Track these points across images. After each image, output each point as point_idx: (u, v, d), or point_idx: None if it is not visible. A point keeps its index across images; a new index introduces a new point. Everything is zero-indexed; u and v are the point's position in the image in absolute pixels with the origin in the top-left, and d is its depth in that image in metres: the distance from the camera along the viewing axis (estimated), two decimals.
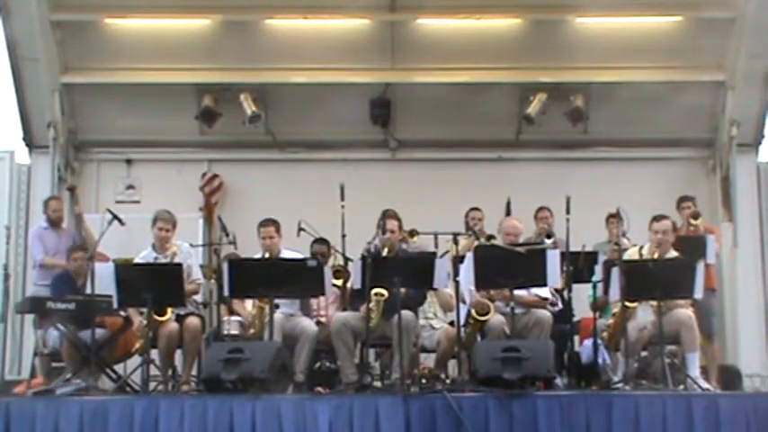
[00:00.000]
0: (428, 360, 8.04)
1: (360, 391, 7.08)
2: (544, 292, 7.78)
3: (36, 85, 10.49)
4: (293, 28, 10.46)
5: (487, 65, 10.55)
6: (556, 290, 7.96)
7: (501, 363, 6.72)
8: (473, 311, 7.52)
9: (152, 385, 7.56)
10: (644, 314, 7.59)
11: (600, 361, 7.78)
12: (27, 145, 10.97)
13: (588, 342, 8.05)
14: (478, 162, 11.00)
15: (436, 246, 8.74)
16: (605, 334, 7.75)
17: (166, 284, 7.50)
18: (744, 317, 10.44)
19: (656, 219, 7.84)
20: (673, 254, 7.82)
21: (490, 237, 8.68)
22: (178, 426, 6.62)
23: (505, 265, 7.40)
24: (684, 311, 7.49)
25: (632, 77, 10.43)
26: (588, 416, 6.60)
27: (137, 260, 8.17)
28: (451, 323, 7.72)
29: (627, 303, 7.35)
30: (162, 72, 10.56)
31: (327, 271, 7.77)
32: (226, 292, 7.59)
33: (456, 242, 7.83)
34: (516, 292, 7.48)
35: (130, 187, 10.99)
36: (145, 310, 7.50)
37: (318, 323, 8.01)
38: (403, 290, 7.33)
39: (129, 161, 11.08)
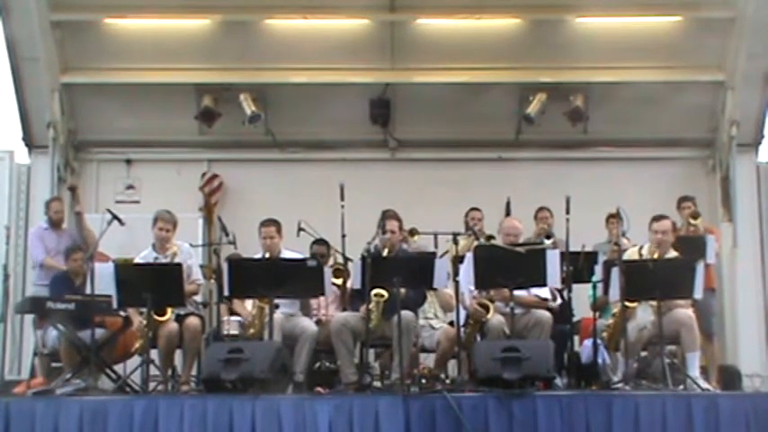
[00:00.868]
0: (428, 360, 8.03)
1: (360, 391, 7.08)
2: (544, 292, 7.78)
3: (36, 85, 10.49)
4: (293, 28, 10.46)
5: (487, 65, 10.55)
6: (556, 289, 7.97)
7: (501, 363, 6.73)
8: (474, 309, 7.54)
9: (152, 385, 7.55)
10: (644, 314, 7.59)
11: (600, 361, 7.77)
12: (27, 145, 10.97)
13: (588, 342, 8.05)
14: (478, 162, 11.00)
15: (436, 246, 8.75)
16: (605, 334, 7.75)
17: (166, 284, 7.50)
18: (744, 317, 10.44)
19: (656, 219, 7.84)
20: (672, 254, 7.82)
21: (490, 237, 8.69)
22: (178, 426, 6.62)
23: (505, 265, 7.40)
24: (684, 311, 7.49)
25: (632, 77, 10.43)
26: (588, 416, 6.60)
27: (137, 260, 8.17)
28: (451, 323, 7.72)
29: (627, 303, 7.35)
30: (162, 72, 10.56)
31: (327, 271, 7.77)
32: (226, 292, 7.59)
33: (456, 242, 7.84)
34: (516, 292, 7.48)
35: (130, 187, 10.99)
36: (145, 310, 7.50)
37: (318, 323, 8.02)
38: (403, 290, 7.34)
39: (128, 161, 11.08)
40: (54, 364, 8.28)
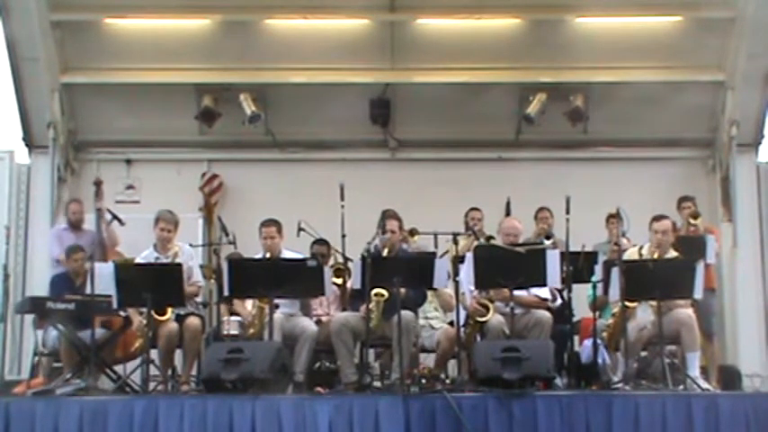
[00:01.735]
0: (428, 360, 8.03)
1: (360, 391, 7.08)
2: (544, 292, 7.78)
3: (36, 85, 10.48)
4: (293, 28, 10.46)
5: (487, 65, 10.55)
6: (555, 288, 7.97)
7: (501, 363, 6.73)
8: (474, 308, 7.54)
9: (152, 385, 7.55)
10: (644, 314, 7.60)
11: (600, 361, 7.77)
12: (27, 145, 10.97)
13: (588, 342, 8.05)
14: (478, 162, 10.99)
15: (436, 246, 8.75)
16: (605, 334, 7.75)
17: (166, 284, 7.49)
18: (744, 317, 10.44)
19: (656, 219, 7.84)
20: (672, 254, 7.82)
21: (490, 237, 8.68)
22: (178, 426, 6.62)
23: (505, 266, 7.40)
24: (685, 311, 7.50)
25: (632, 77, 10.43)
26: (588, 416, 6.60)
27: (138, 260, 8.18)
28: (451, 323, 7.72)
29: (627, 303, 7.35)
30: (162, 72, 10.56)
31: (327, 271, 7.77)
32: (226, 292, 7.59)
33: (456, 242, 7.84)
34: (516, 292, 7.48)
35: (130, 187, 10.99)
36: (145, 310, 7.50)
37: (318, 323, 8.02)
38: (403, 290, 7.35)
39: (128, 161, 11.08)
40: (54, 365, 8.28)
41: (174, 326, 7.70)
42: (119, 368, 8.08)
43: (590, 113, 10.62)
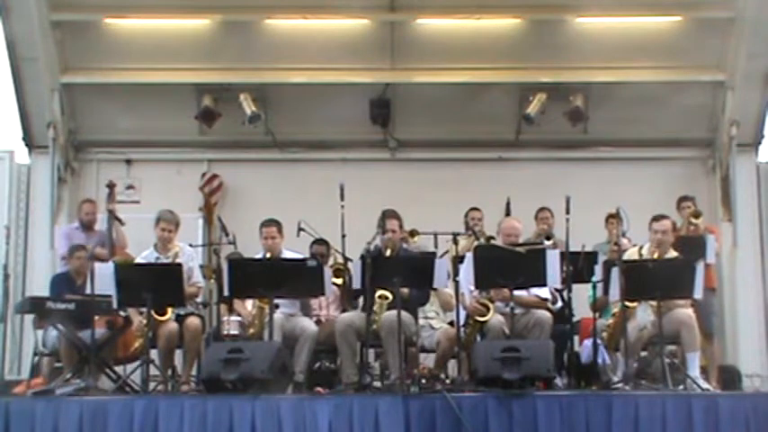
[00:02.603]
0: (428, 360, 8.03)
1: (360, 391, 7.08)
2: (544, 292, 7.78)
3: (36, 85, 10.48)
4: (293, 28, 10.45)
5: (487, 65, 10.55)
6: (556, 289, 7.97)
7: (501, 363, 6.72)
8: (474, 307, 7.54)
9: (152, 385, 7.55)
10: (644, 314, 7.59)
11: (600, 361, 7.77)
12: (27, 145, 10.96)
13: (588, 342, 8.05)
14: (478, 162, 11.00)
15: (436, 246, 8.75)
16: (605, 334, 7.75)
17: (166, 284, 7.49)
18: (744, 317, 10.44)
19: (656, 219, 7.84)
20: (672, 254, 7.82)
21: (490, 237, 8.69)
22: (178, 426, 6.62)
23: (505, 266, 7.40)
24: (685, 311, 7.50)
25: (632, 77, 10.44)
26: (588, 416, 6.60)
27: (138, 260, 8.18)
28: (451, 323, 7.72)
29: (627, 303, 7.35)
30: (162, 72, 10.56)
31: (327, 271, 7.77)
32: (226, 292, 7.59)
33: (456, 242, 7.84)
34: (516, 292, 7.48)
35: (130, 187, 10.99)
36: (145, 310, 7.50)
37: (318, 323, 8.02)
38: (407, 290, 7.35)
39: (128, 161, 11.08)
40: (55, 365, 8.28)
41: (173, 326, 7.70)
42: (119, 368, 8.08)
43: (590, 113, 10.62)
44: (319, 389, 7.32)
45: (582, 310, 8.62)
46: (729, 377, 8.68)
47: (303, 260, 7.73)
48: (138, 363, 7.53)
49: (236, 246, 9.00)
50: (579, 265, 8.16)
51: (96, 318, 7.59)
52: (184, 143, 11.11)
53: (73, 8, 10.30)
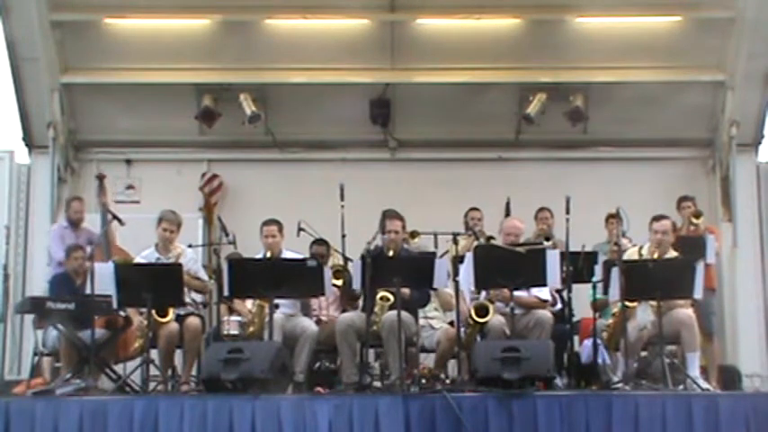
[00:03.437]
0: (428, 360, 8.03)
1: (360, 391, 7.08)
2: (544, 294, 7.77)
3: (36, 85, 10.48)
4: (293, 28, 10.45)
5: (487, 65, 10.55)
6: (556, 290, 7.96)
7: (501, 363, 6.72)
8: (472, 314, 7.52)
9: (152, 385, 7.55)
10: (644, 314, 7.59)
11: (600, 361, 7.78)
12: (27, 145, 10.97)
13: (588, 342, 8.05)
14: (478, 162, 11.00)
15: (436, 246, 8.75)
16: (605, 334, 7.75)
17: (166, 285, 7.50)
18: (744, 317, 10.44)
19: (656, 219, 7.84)
20: (672, 254, 7.82)
21: (490, 237, 8.69)
22: (178, 426, 6.62)
23: (505, 266, 7.40)
24: (685, 311, 7.49)
25: (632, 77, 10.44)
26: (588, 416, 6.60)
27: (138, 259, 8.18)
28: (451, 323, 7.72)
29: (627, 303, 7.35)
30: (162, 72, 10.56)
31: (327, 271, 7.77)
32: (226, 292, 7.59)
33: (456, 242, 7.84)
34: (516, 293, 7.48)
35: (130, 187, 10.99)
36: (144, 310, 7.50)
37: (318, 323, 8.02)
38: (408, 291, 7.35)
39: (128, 161, 11.08)
40: (55, 365, 8.28)
41: (174, 326, 7.70)
42: (119, 368, 8.08)
43: (590, 113, 10.62)
44: (319, 389, 7.33)
45: (582, 311, 8.63)
46: (729, 377, 8.67)
47: (303, 260, 7.72)
48: (138, 363, 7.53)
49: (236, 246, 9.00)
50: (579, 265, 8.15)
51: (96, 318, 7.59)
52: (184, 143, 11.11)
53: (73, 8, 10.31)
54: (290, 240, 8.34)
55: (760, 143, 10.96)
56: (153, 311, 7.47)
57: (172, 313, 7.68)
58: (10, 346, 8.84)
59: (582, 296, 8.46)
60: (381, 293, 7.40)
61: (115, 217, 9.17)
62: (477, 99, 10.57)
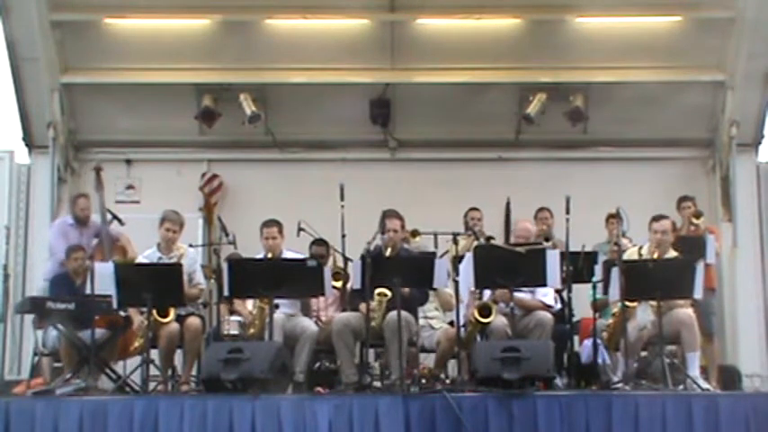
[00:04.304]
0: (428, 360, 8.03)
1: (360, 391, 7.08)
2: (549, 299, 7.77)
3: (36, 85, 10.47)
4: (293, 28, 10.45)
5: (487, 65, 10.54)
6: (556, 290, 7.96)
7: (500, 363, 6.73)
8: (475, 313, 7.52)
9: (152, 385, 7.55)
10: (644, 314, 7.59)
11: (600, 361, 7.78)
12: (27, 145, 10.96)
13: (588, 342, 8.06)
14: (478, 162, 10.99)
15: (436, 246, 8.76)
16: (605, 334, 7.75)
17: (166, 284, 7.50)
18: (743, 317, 10.43)
19: (656, 219, 7.84)
20: (672, 254, 7.82)
21: (490, 237, 8.69)
22: (178, 426, 6.63)
23: (505, 266, 7.40)
24: (685, 311, 7.50)
25: (632, 77, 10.43)
26: (588, 416, 6.61)
27: (140, 259, 8.18)
28: (451, 323, 7.72)
29: (627, 303, 7.35)
30: (162, 72, 10.55)
31: (327, 271, 7.77)
32: (226, 293, 7.59)
33: (456, 242, 7.85)
34: (520, 295, 7.49)
35: (130, 187, 10.98)
36: (145, 309, 7.50)
37: (318, 323, 8.02)
38: (407, 289, 7.35)
39: (128, 161, 11.07)
40: (55, 365, 8.28)
41: (174, 326, 7.71)
42: (119, 368, 8.08)
43: (590, 113, 10.61)
44: (319, 389, 7.33)
45: (582, 310, 8.63)
46: (729, 377, 8.67)
47: (303, 260, 7.73)
48: (138, 363, 7.53)
49: (236, 246, 9.00)
50: (579, 265, 8.15)
51: (97, 318, 7.60)
52: (184, 143, 11.11)
53: (73, 8, 10.30)
54: (290, 240, 8.34)
55: (760, 143, 10.96)
56: (154, 311, 7.47)
57: (173, 313, 7.68)
58: (10, 346, 8.84)
59: (582, 296, 8.46)
60: (379, 290, 7.38)
61: (115, 217, 9.17)
62: (477, 99, 10.57)
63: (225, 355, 6.90)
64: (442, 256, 7.97)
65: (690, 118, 10.79)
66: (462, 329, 7.55)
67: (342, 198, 8.36)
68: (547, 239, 9.11)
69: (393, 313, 7.31)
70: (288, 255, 8.03)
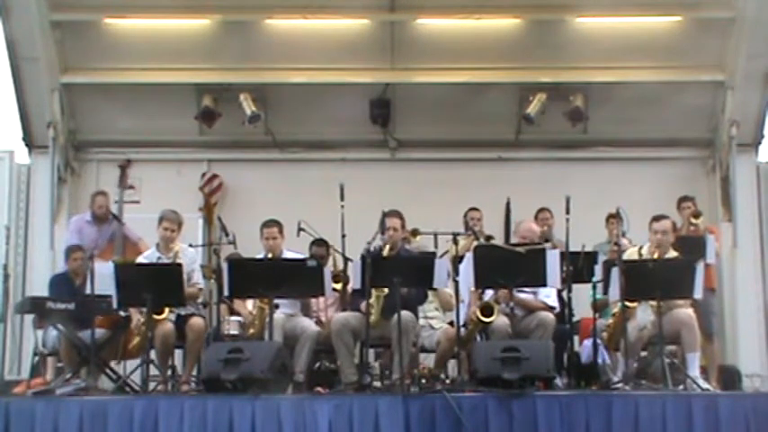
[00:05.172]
0: (428, 360, 8.03)
1: (360, 391, 7.08)
2: (552, 300, 7.77)
3: (36, 85, 10.48)
4: (293, 28, 10.45)
5: (487, 65, 10.54)
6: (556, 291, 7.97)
7: (501, 363, 6.73)
8: (477, 313, 7.51)
9: (152, 385, 7.55)
10: (644, 314, 7.59)
11: (599, 361, 7.78)
12: (27, 145, 10.96)
13: (588, 342, 8.06)
14: (478, 162, 10.99)
15: (436, 246, 8.75)
16: (605, 334, 7.75)
17: (166, 284, 7.50)
18: (743, 317, 10.43)
19: (656, 219, 7.84)
20: (672, 254, 7.82)
21: (489, 237, 8.69)
22: (178, 426, 6.63)
23: (505, 265, 7.40)
24: (685, 311, 7.50)
25: (632, 77, 10.43)
26: (588, 416, 6.61)
27: (140, 259, 8.18)
28: (451, 323, 7.72)
29: (627, 303, 7.35)
30: (162, 72, 10.55)
31: (327, 271, 7.77)
32: (226, 293, 7.59)
33: (456, 242, 7.85)
34: (522, 295, 7.48)
35: (130, 187, 10.96)
36: (145, 309, 7.50)
37: (318, 323, 8.02)
38: (405, 288, 7.35)
39: (128, 161, 11.05)
40: (58, 364, 8.28)
41: (169, 326, 7.68)
42: (119, 368, 8.08)
43: (590, 113, 10.61)
44: (319, 389, 7.33)
45: (582, 310, 8.63)
46: (729, 377, 8.67)
47: (303, 260, 7.73)
48: (137, 363, 7.53)
49: (236, 246, 9.00)
50: (579, 265, 8.15)
51: (98, 318, 7.60)
52: (184, 143, 11.11)
53: (73, 8, 10.30)
54: (290, 240, 8.34)
55: (760, 143, 10.96)
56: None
57: (167, 311, 7.67)
58: (10, 346, 8.82)
59: (582, 296, 8.46)
60: None
61: (115, 217, 9.18)
62: (477, 99, 10.57)
63: (225, 355, 6.90)
64: (442, 256, 7.97)
65: (690, 118, 10.79)
66: (462, 329, 7.54)
67: (342, 198, 8.36)
68: (547, 240, 9.11)
69: (401, 313, 7.29)
70: (288, 255, 8.03)
